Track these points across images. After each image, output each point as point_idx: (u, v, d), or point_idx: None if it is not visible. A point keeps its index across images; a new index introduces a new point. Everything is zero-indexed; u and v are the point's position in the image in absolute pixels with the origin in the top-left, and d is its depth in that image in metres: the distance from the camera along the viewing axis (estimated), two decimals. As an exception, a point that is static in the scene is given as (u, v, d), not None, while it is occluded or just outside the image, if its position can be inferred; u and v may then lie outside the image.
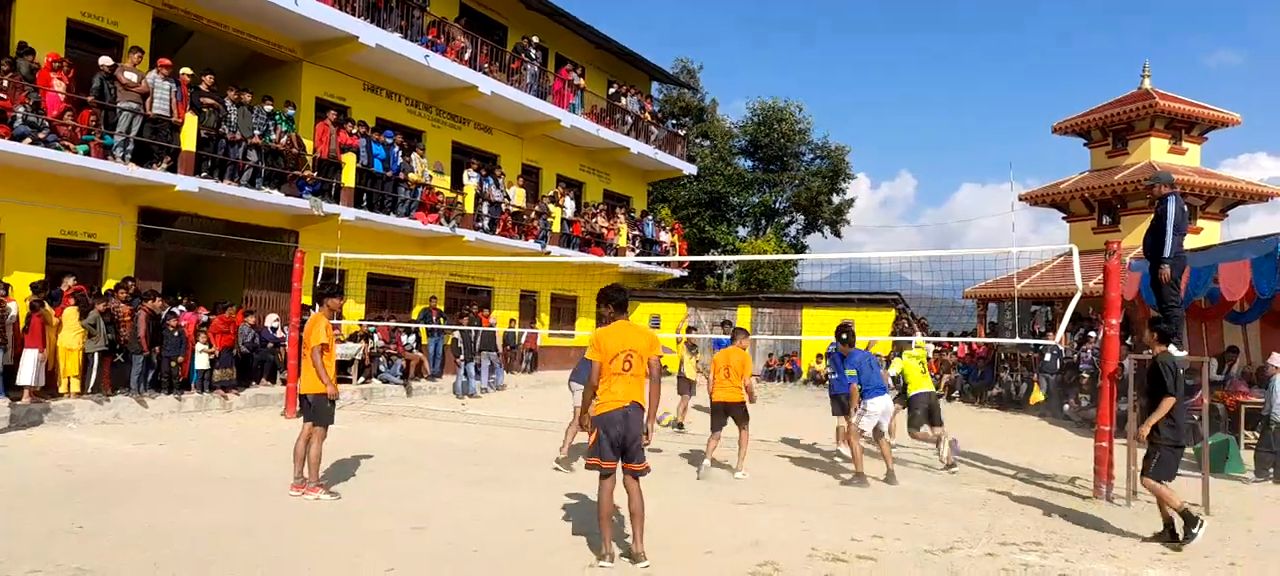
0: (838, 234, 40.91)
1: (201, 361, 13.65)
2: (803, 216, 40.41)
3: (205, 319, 13.95)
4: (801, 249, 39.89)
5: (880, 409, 9.52)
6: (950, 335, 22.99)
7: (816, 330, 24.34)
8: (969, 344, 21.76)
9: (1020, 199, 25.68)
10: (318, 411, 7.61)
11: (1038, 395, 17.93)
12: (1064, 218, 26.66)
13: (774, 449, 11.67)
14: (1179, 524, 6.83)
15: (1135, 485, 8.66)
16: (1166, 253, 8.83)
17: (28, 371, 11.34)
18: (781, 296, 28.52)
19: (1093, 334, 16.93)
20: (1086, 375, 15.94)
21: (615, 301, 6.37)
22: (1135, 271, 13.91)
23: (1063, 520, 7.72)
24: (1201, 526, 6.76)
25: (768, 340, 25.91)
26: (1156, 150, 24.24)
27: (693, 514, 7.52)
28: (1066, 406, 16.27)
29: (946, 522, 7.46)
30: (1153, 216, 9.19)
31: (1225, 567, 6.28)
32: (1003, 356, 20.36)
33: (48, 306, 11.76)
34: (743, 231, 39.63)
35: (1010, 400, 18.82)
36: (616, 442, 5.78)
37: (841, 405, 9.79)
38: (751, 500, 8.18)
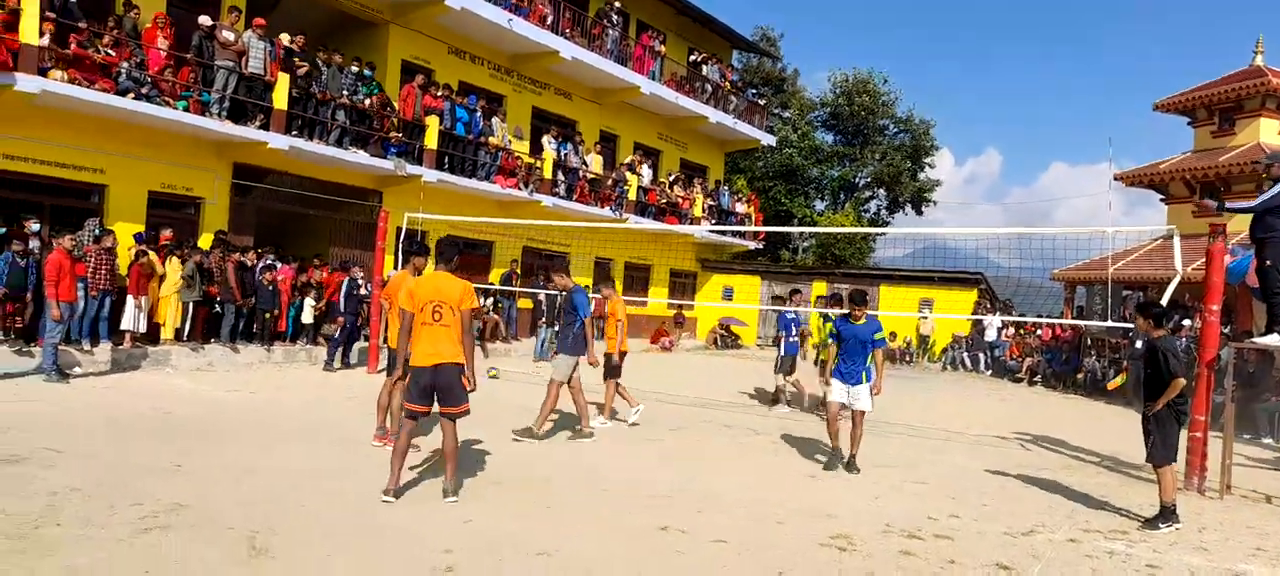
0: (919, 212, 39.95)
1: (307, 315, 14.22)
2: (884, 192, 39.52)
3: (311, 278, 14.53)
4: (882, 226, 39.09)
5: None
6: (1040, 316, 22.25)
7: (894, 307, 23.85)
8: (1053, 327, 21.05)
9: (1116, 178, 24.53)
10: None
11: (1118, 381, 17.25)
12: (1162, 200, 25.39)
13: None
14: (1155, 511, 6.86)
15: (1229, 478, 8.29)
16: (1244, 205, 8.56)
17: (129, 317, 11.92)
18: (858, 271, 28.05)
19: (1187, 322, 16.16)
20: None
21: (437, 253, 6.34)
22: (1239, 261, 13.17)
23: (1150, 510, 7.40)
24: (1174, 525, 6.69)
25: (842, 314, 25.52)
26: (1267, 131, 22.81)
27: (764, 481, 7.49)
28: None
29: (1026, 506, 7.26)
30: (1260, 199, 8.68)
31: (1329, 568, 5.95)
32: (1089, 342, 19.62)
33: (153, 255, 12.32)
34: (820, 205, 39.00)
35: (1095, 386, 18.15)
36: (426, 390, 6.01)
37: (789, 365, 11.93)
38: (822, 473, 8.10)
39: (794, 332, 12.35)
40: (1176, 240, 9.85)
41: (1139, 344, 16.85)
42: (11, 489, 5.58)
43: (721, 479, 7.55)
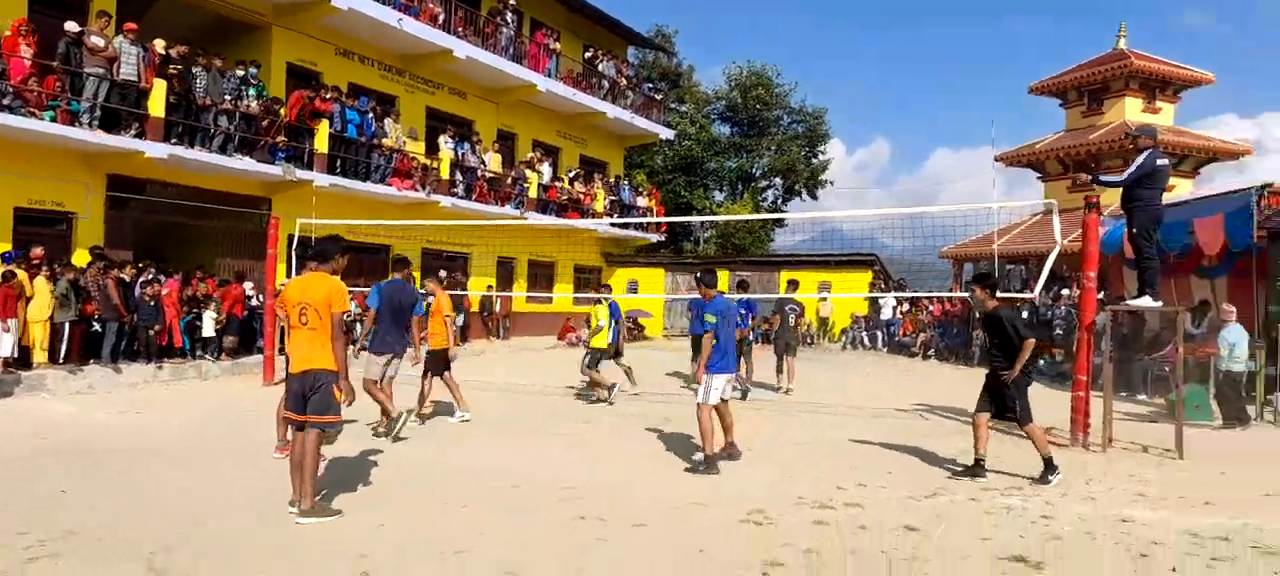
0: (815, 197, 41.07)
1: (208, 328, 13.73)
2: (780, 181, 40.46)
3: (197, 291, 14.00)
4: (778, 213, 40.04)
5: (720, 384, 7.64)
6: (931, 293, 23.20)
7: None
8: (943, 303, 21.99)
9: (996, 159, 25.83)
10: None
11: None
12: (1039, 178, 26.92)
13: (750, 406, 11.75)
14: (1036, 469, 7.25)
15: (1110, 432, 8.85)
16: (1115, 178, 9.25)
17: (2, 342, 11.12)
18: (760, 259, 28.64)
19: (1066, 291, 17.16)
20: (1060, 331, 16.17)
21: (315, 252, 6.02)
22: (1113, 234, 14.05)
23: (1037, 469, 7.84)
24: (1058, 475, 7.07)
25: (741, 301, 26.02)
26: (1131, 110, 24.47)
27: (672, 466, 7.56)
28: (1041, 361, 16.50)
29: (928, 471, 7.58)
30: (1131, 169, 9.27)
31: (1201, 506, 6.42)
32: (978, 315, 20.58)
33: (21, 275, 11.52)
34: (719, 196, 39.64)
35: (985, 356, 19.07)
36: (296, 397, 5.70)
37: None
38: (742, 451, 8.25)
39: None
40: (1056, 214, 10.43)
41: (1024, 315, 17.81)
42: (-128, 530, 5.14)
43: (629, 466, 7.60)
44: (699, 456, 7.51)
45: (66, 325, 11.90)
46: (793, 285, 15.17)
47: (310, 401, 5.66)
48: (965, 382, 15.72)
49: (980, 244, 23.60)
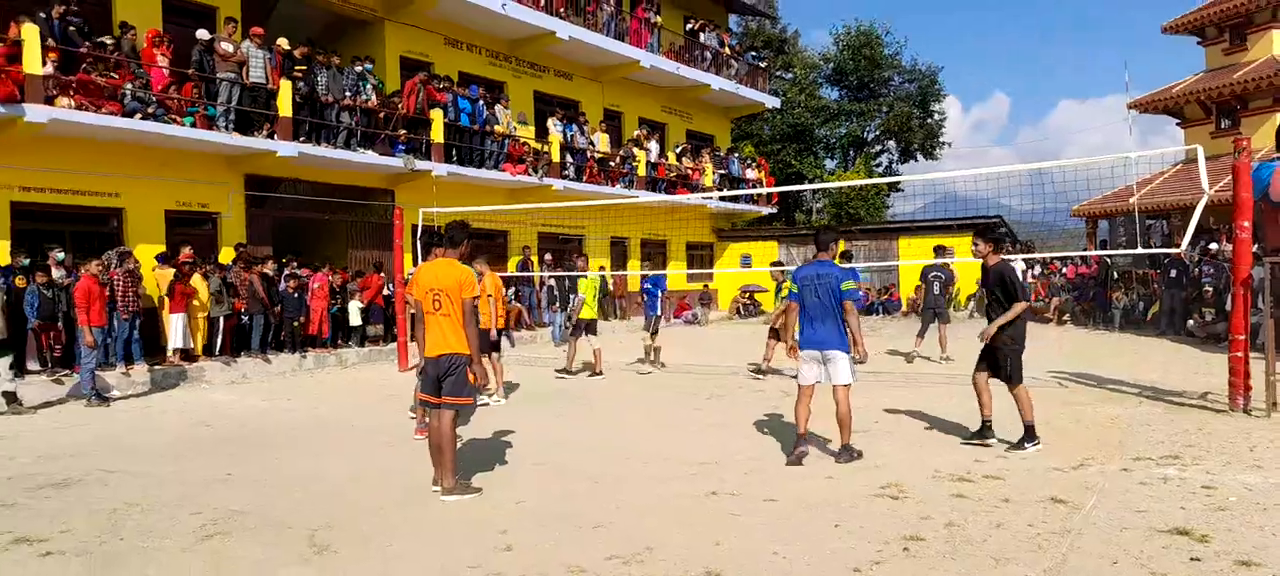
0: (933, 157, 39.62)
1: (355, 318, 14.60)
2: (894, 143, 39.23)
3: (345, 281, 14.94)
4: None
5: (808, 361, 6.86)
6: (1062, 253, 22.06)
7: (914, 259, 23.72)
8: (1077, 263, 20.89)
9: (1129, 106, 24.23)
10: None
11: (1153, 312, 17.15)
12: (1178, 124, 25.11)
13: (876, 377, 11.48)
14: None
15: (1275, 395, 8.22)
16: None
17: (177, 334, 12.15)
18: (876, 227, 27.91)
19: (1214, 246, 15.99)
20: (1210, 288, 15.08)
21: (446, 237, 6.15)
22: (1266, 175, 12.97)
23: (1199, 434, 7.37)
24: (1037, 444, 6.85)
25: (864, 269, 25.42)
26: (1279, 43, 22.48)
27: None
28: (1191, 322, 15.47)
29: (1072, 441, 7.22)
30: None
31: (1387, 474, 5.89)
32: (1115, 275, 19.47)
33: (197, 274, 12.46)
34: (831, 164, 38.78)
35: (1127, 320, 18.03)
36: (431, 380, 5.86)
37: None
38: (864, 427, 8.07)
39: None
40: (1201, 161, 9.69)
41: (1173, 273, 16.66)
42: (71, 508, 5.65)
43: (756, 442, 7.55)
44: (834, 445, 6.87)
45: (220, 319, 12.74)
46: (940, 250, 14.76)
47: (445, 384, 5.85)
48: (1103, 347, 14.95)
49: (1116, 198, 22.25)
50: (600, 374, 12.16)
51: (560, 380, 12.03)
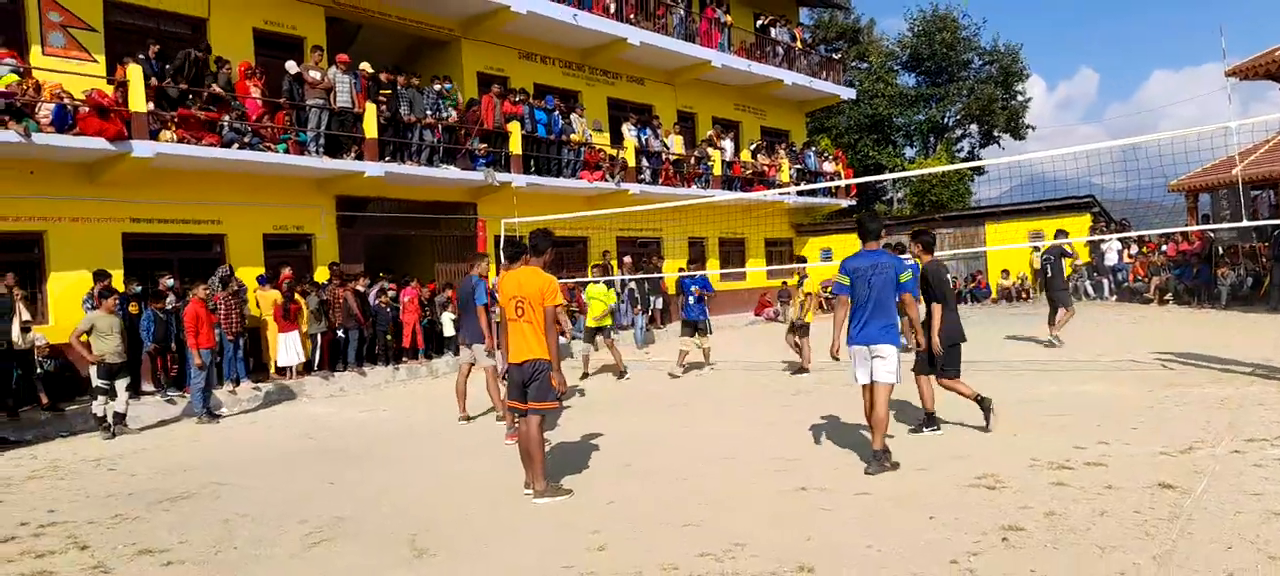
0: (1020, 137, 38.33)
1: (449, 328, 15.06)
2: (976, 128, 38.13)
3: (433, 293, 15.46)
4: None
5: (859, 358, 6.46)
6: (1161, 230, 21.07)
7: (1003, 243, 23.01)
8: (1178, 240, 19.92)
9: (1227, 74, 22.97)
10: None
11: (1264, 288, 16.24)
12: (1282, 89, 23.67)
13: (967, 365, 11.18)
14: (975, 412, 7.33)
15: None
16: None
17: (289, 352, 12.89)
18: (960, 213, 27.17)
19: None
20: (1327, 259, 14.20)
21: (530, 246, 6.28)
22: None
23: (1311, 414, 6.97)
24: (937, 431, 7.27)
25: (951, 259, 24.77)
26: (1397, -5, 20.99)
27: (901, 439, 7.35)
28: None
29: (1179, 425, 6.92)
30: None
31: None
32: (1221, 250, 18.49)
33: (298, 295, 13.07)
34: (910, 152, 37.94)
35: (1234, 297, 17.11)
36: (516, 386, 6.05)
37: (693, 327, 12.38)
38: (954, 418, 7.90)
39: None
40: (1311, 125, 9.16)
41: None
42: (187, 520, 5.99)
43: (845, 436, 7.47)
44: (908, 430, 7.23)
45: (318, 336, 13.29)
46: (1061, 233, 14.40)
47: (530, 389, 5.99)
48: (1209, 326, 14.23)
49: (1217, 171, 21.10)
50: (708, 365, 12.70)
51: (624, 381, 12.40)
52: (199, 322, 10.72)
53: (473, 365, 9.64)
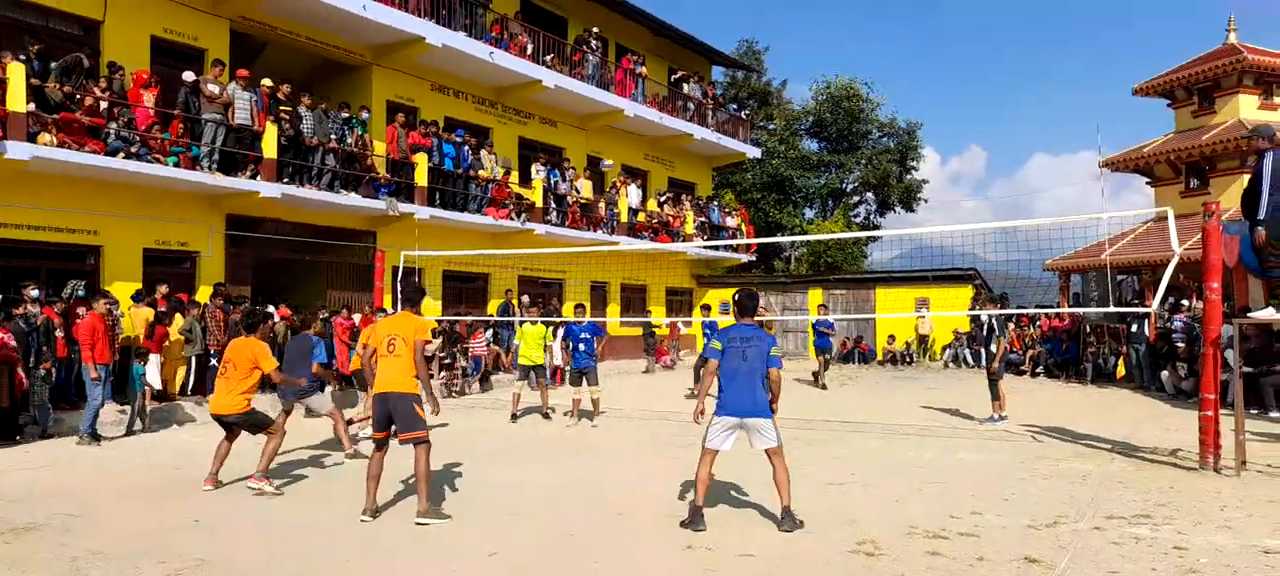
0: (911, 210, 40.18)
1: (356, 361, 14.31)
2: (872, 196, 39.76)
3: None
4: (872, 229, 39.29)
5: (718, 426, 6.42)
6: (1037, 307, 22.32)
7: (891, 309, 23.93)
8: (1051, 317, 21.14)
9: (1102, 165, 24.73)
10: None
11: (1120, 369, 17.38)
12: (1148, 183, 25.62)
13: (854, 428, 11.53)
14: None
15: (1243, 455, 8.32)
16: (1261, 213, 8.34)
17: (154, 374, 12.03)
18: (853, 276, 28.15)
19: (1185, 303, 16.26)
20: (1182, 344, 15.31)
21: (404, 298, 7.21)
22: (1233, 234, 13.28)
23: (1170, 492, 7.45)
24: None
25: (841, 321, 25.59)
26: (1246, 107, 23.06)
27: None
28: (1164, 374, 15.67)
29: (1046, 497, 7.27)
30: (1249, 176, 8.73)
31: (1353, 537, 5.97)
32: (1088, 329, 19.71)
33: (176, 314, 12.37)
34: (810, 213, 39.21)
35: (1099, 374, 18.24)
36: (382, 418, 6.56)
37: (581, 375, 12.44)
38: (841, 479, 8.10)
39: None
40: (1172, 219, 9.91)
41: (1135, 328, 16.95)
42: (30, 556, 5.53)
43: (741, 494, 7.54)
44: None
45: (193, 359, 12.60)
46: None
47: (396, 422, 6.52)
48: (1078, 401, 15.09)
49: (1088, 254, 22.60)
50: (594, 415, 12.49)
51: (515, 424, 12.14)
52: (96, 336, 10.15)
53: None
